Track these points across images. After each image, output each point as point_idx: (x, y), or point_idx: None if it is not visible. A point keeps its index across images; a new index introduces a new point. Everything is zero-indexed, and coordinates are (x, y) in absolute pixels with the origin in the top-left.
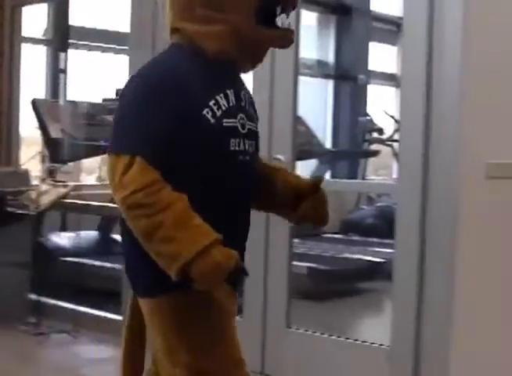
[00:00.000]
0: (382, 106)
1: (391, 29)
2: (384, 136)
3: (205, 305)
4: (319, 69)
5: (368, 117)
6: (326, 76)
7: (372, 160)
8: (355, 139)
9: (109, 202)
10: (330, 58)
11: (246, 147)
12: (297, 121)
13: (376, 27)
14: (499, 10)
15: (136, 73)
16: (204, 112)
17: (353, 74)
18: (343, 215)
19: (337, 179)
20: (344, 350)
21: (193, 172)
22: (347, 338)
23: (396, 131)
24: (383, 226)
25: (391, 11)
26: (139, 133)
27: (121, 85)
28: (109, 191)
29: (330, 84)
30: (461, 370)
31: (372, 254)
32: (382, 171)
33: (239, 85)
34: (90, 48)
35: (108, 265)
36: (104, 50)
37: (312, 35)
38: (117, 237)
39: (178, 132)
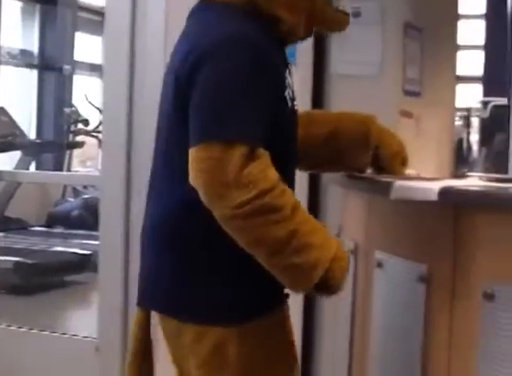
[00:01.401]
0: (89, 97)
1: (96, 19)
2: (90, 127)
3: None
4: (23, 59)
5: (73, 108)
6: (31, 66)
7: (79, 152)
8: (60, 130)
9: None
10: (35, 48)
11: (297, 136)
12: None
13: (82, 16)
14: None
15: (209, 41)
16: (286, 93)
17: (58, 65)
18: (49, 208)
19: (42, 171)
20: (53, 344)
21: None
22: (55, 332)
23: (102, 122)
24: (89, 218)
25: (96, 1)
26: (257, 117)
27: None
28: None
29: (35, 74)
30: None
31: (79, 246)
32: (90, 163)
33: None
34: None
35: None
36: None
37: (16, 24)
38: None
39: (270, 119)
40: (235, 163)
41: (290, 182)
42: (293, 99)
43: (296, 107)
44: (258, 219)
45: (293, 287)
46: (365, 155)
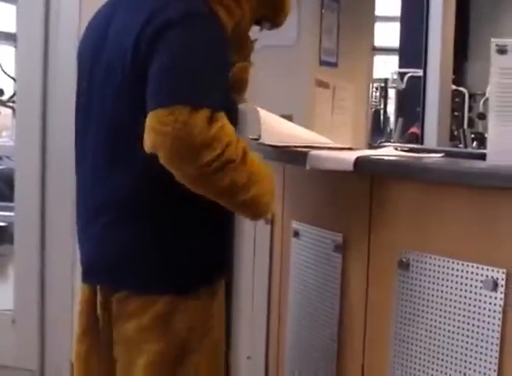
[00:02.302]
0: (3, 66)
1: None
2: (4, 97)
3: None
4: None
5: None
6: None
7: None
8: None
9: None
10: None
11: None
12: None
13: None
14: None
15: (175, 11)
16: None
17: None
18: None
19: None
20: None
21: None
22: None
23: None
24: (5, 189)
25: None
26: (220, 83)
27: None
28: None
29: None
30: None
31: None
32: (5, 133)
33: None
34: None
35: None
36: None
37: None
38: None
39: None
40: (200, 126)
41: None
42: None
43: None
44: (222, 172)
45: (255, 217)
46: None
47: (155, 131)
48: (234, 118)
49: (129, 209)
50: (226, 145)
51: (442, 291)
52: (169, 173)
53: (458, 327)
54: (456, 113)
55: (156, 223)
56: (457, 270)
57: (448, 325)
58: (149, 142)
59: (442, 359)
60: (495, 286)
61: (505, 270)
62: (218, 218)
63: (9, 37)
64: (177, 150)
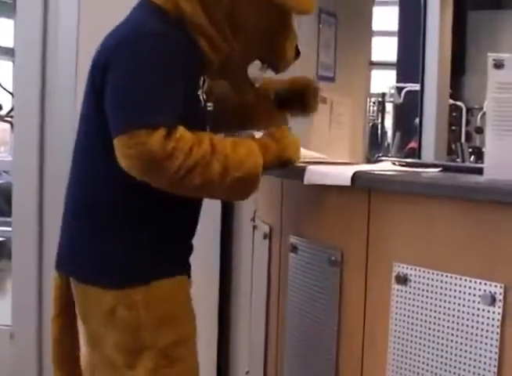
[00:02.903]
0: (1, 81)
1: (7, 1)
2: (3, 112)
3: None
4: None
5: None
6: None
7: None
8: None
9: None
10: None
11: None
12: None
13: None
14: None
15: (126, 35)
16: (199, 92)
17: None
18: None
19: None
20: None
21: None
22: None
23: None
24: (3, 204)
25: None
26: (172, 98)
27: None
28: None
29: None
30: None
31: None
32: (3, 148)
33: None
34: None
35: None
36: None
37: None
38: None
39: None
40: (158, 145)
41: None
42: (206, 100)
43: (210, 109)
44: (192, 174)
45: (242, 198)
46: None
47: (123, 155)
48: (202, 120)
49: (93, 210)
50: (189, 150)
51: (440, 306)
52: (130, 178)
53: (456, 342)
54: (453, 128)
55: (118, 225)
56: (455, 285)
57: (447, 340)
58: (123, 164)
59: (440, 374)
60: (493, 301)
61: (503, 285)
62: (180, 218)
63: (7, 52)
64: (143, 168)
